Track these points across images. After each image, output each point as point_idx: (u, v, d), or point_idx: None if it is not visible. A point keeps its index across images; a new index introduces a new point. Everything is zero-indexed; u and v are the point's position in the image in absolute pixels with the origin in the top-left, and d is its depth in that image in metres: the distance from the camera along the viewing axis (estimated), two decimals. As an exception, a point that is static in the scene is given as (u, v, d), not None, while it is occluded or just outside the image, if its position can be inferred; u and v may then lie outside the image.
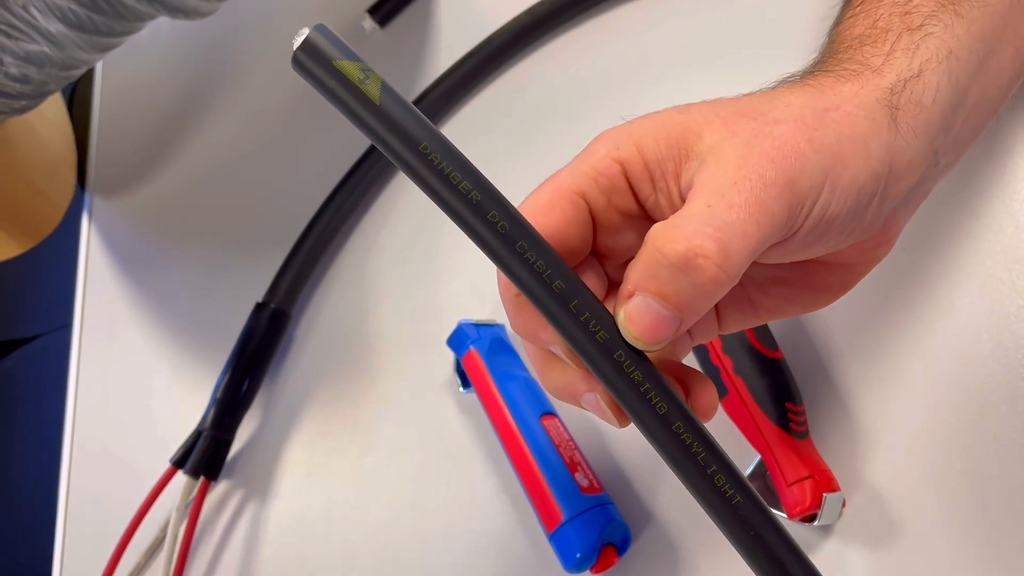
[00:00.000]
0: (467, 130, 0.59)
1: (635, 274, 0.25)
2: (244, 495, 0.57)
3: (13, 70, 0.51)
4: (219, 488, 0.57)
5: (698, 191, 0.26)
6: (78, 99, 0.79)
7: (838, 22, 0.32)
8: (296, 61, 0.25)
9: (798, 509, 0.38)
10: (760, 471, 0.40)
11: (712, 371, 0.41)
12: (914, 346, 0.41)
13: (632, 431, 0.27)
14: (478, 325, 0.49)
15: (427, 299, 0.55)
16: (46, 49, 0.51)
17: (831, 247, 0.28)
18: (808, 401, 0.41)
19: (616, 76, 0.54)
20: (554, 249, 0.26)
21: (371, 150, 0.59)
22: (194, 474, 0.55)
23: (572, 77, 0.56)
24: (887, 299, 0.42)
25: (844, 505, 0.39)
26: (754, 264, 0.27)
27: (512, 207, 0.26)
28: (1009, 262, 0.40)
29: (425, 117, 0.25)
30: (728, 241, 0.24)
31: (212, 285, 0.64)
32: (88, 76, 0.78)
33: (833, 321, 0.42)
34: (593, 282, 0.28)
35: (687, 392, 0.28)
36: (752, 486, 0.26)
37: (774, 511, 0.31)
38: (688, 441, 0.25)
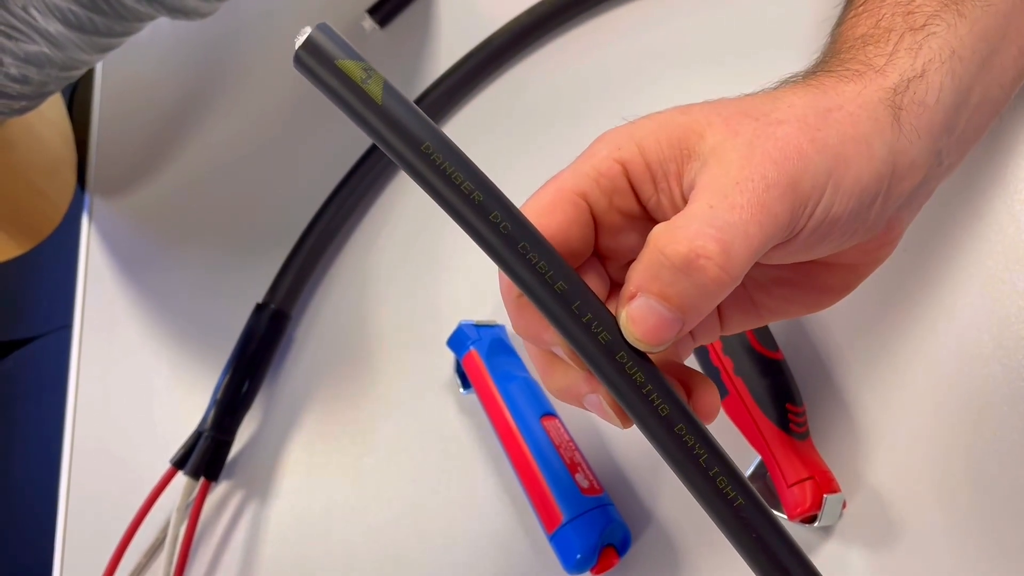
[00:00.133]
0: (467, 130, 0.59)
1: (637, 275, 0.25)
2: (244, 496, 0.57)
3: (13, 71, 0.51)
4: (219, 489, 0.57)
5: (700, 192, 0.26)
6: (78, 99, 0.79)
7: (840, 22, 0.32)
8: (298, 60, 0.25)
9: (798, 510, 0.38)
10: (760, 472, 0.40)
11: (712, 372, 0.41)
12: (915, 346, 0.41)
13: (632, 432, 0.27)
14: (478, 326, 0.49)
15: (427, 299, 0.55)
16: (46, 50, 0.51)
17: (834, 248, 0.28)
18: (808, 402, 0.41)
19: (617, 76, 0.54)
20: (556, 250, 0.26)
21: (372, 150, 0.59)
22: (194, 475, 0.55)
23: (573, 77, 0.56)
24: (887, 299, 0.42)
25: (844, 506, 0.39)
26: (756, 265, 0.27)
27: (514, 207, 0.26)
28: (1010, 262, 0.40)
29: (427, 117, 0.25)
30: (730, 242, 0.24)
31: (212, 285, 0.64)
32: (88, 76, 0.78)
33: (833, 321, 0.42)
34: (595, 283, 0.28)
35: (689, 394, 0.27)
36: (754, 488, 0.26)
37: (774, 512, 0.30)
38: (690, 443, 0.25)
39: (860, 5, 0.31)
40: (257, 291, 0.59)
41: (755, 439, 0.40)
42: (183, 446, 0.56)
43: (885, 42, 0.29)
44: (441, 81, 0.59)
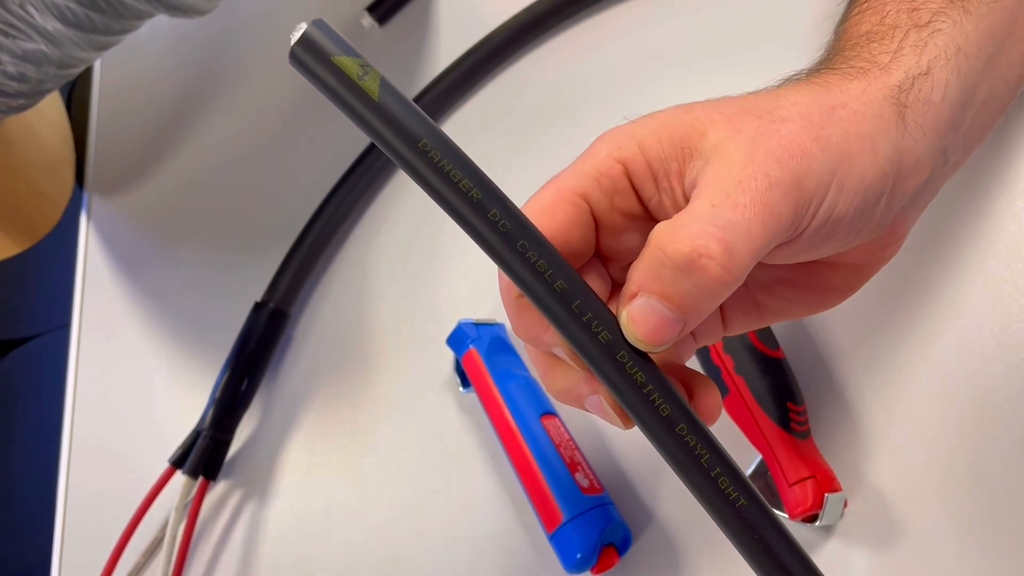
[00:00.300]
0: (466, 129, 0.58)
1: (638, 274, 0.25)
2: (243, 495, 0.57)
3: (11, 68, 0.51)
4: (218, 488, 0.57)
5: (702, 190, 0.25)
6: (76, 98, 0.78)
7: (844, 19, 0.32)
8: (294, 56, 0.24)
9: (800, 509, 0.38)
10: (761, 471, 0.40)
11: (713, 370, 0.41)
12: (917, 345, 0.40)
13: (633, 431, 0.27)
14: (478, 324, 0.49)
15: (427, 298, 0.55)
16: (44, 47, 0.51)
17: (838, 247, 0.28)
18: (809, 400, 0.41)
19: (617, 75, 0.54)
20: (556, 248, 0.25)
21: (370, 148, 0.59)
22: (193, 474, 0.54)
23: (572, 76, 0.56)
24: (889, 298, 0.41)
25: (846, 505, 0.39)
26: (759, 265, 0.26)
27: (513, 206, 0.25)
28: (1012, 261, 0.39)
29: (425, 114, 0.25)
30: (733, 241, 0.24)
31: (211, 284, 0.64)
32: (86, 75, 0.77)
33: (834, 319, 0.42)
34: (596, 284, 0.28)
35: (691, 395, 0.27)
36: (755, 488, 0.26)
37: (775, 511, 0.30)
38: (692, 443, 0.25)
39: (864, 2, 0.31)
40: (256, 290, 0.58)
41: (756, 438, 0.39)
42: (182, 445, 0.56)
43: (890, 39, 0.29)
44: (440, 79, 0.58)
